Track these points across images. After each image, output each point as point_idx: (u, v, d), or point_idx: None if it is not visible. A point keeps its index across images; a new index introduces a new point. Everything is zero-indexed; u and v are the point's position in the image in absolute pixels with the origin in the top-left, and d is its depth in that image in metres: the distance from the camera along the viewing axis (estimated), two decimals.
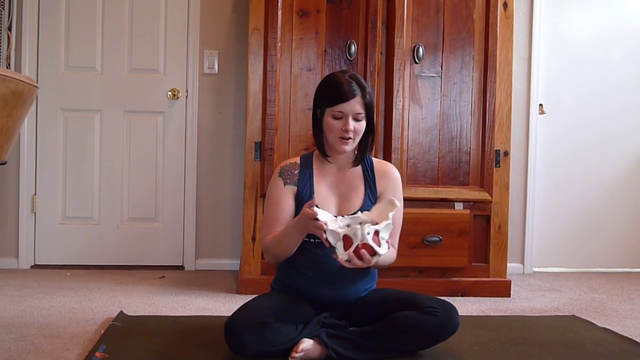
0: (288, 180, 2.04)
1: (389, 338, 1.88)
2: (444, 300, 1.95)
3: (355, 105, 1.96)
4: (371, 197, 2.06)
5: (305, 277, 2.00)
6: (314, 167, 2.08)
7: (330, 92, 1.98)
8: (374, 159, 2.14)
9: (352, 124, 1.96)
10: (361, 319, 1.98)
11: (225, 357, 1.89)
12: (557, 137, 3.79)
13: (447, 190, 2.97)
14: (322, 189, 2.05)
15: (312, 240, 1.95)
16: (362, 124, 1.99)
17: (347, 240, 1.80)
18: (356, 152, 2.09)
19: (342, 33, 2.95)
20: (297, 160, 2.10)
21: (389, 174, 2.11)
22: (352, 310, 2.02)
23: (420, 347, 1.92)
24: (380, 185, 2.08)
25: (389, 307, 1.95)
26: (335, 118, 1.97)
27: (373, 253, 1.79)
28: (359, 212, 1.87)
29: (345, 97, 1.95)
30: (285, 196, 2.03)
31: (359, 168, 2.10)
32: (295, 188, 2.04)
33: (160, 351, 1.96)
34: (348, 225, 1.82)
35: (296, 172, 2.05)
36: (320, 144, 2.06)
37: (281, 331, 1.84)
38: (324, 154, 2.06)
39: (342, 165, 2.09)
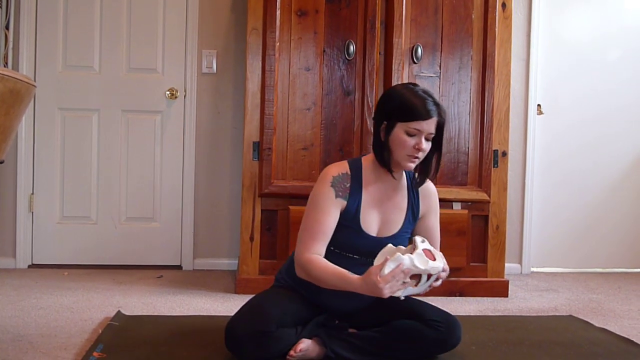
0: (340, 193, 1.92)
1: (389, 346, 1.88)
2: (447, 314, 1.93)
3: (432, 125, 1.87)
4: (412, 219, 2.01)
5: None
6: (364, 181, 1.97)
7: (407, 107, 1.87)
8: None
9: (424, 143, 1.88)
10: (363, 322, 1.97)
11: (223, 357, 1.88)
12: (555, 137, 3.79)
13: (445, 190, 2.97)
14: (369, 208, 1.95)
15: (340, 252, 1.93)
16: (430, 144, 1.91)
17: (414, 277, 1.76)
18: (416, 174, 2.01)
19: (340, 33, 2.95)
20: (347, 170, 1.96)
21: (431, 192, 2.06)
22: (354, 313, 2.01)
23: (419, 357, 1.91)
24: (423, 205, 2.03)
25: (392, 314, 1.93)
26: (409, 135, 1.87)
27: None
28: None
29: (425, 116, 1.85)
30: (334, 207, 1.90)
31: (404, 186, 2.02)
32: (345, 202, 1.92)
33: (158, 351, 1.96)
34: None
35: (348, 185, 1.93)
36: (384, 157, 1.93)
37: (282, 338, 1.82)
38: (390, 169, 1.95)
39: (393, 183, 2.00)
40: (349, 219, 1.92)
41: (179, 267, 3.51)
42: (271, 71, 2.87)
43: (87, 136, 3.46)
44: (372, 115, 2.01)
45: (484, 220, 3.05)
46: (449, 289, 2.96)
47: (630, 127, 3.87)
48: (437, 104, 1.88)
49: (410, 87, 1.92)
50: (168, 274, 3.34)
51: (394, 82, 2.93)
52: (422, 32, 2.98)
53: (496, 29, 3.00)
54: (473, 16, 3.01)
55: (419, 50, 2.95)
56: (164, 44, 3.48)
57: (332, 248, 1.92)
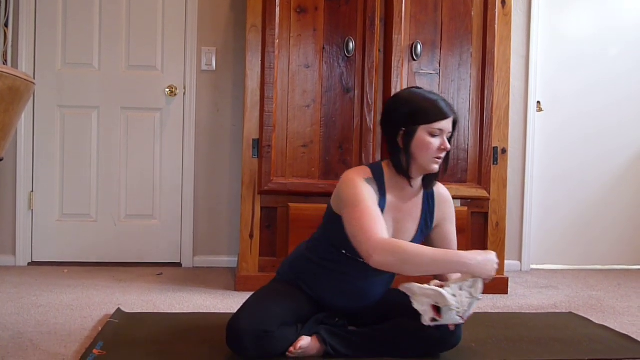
0: (375, 189, 1.90)
1: (389, 344, 1.88)
2: None
3: (450, 123, 1.89)
4: (424, 227, 2.00)
5: (334, 285, 1.94)
6: (386, 187, 1.94)
7: (427, 109, 1.86)
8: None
9: (447, 142, 1.88)
10: (363, 319, 1.97)
11: (223, 355, 1.88)
12: (554, 134, 3.79)
13: (445, 187, 2.96)
14: (387, 215, 1.92)
15: (352, 256, 1.89)
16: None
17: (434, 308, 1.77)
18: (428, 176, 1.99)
19: (340, 30, 2.94)
20: (370, 174, 1.92)
21: (447, 199, 2.04)
22: (355, 311, 2.01)
23: (418, 355, 1.90)
24: (439, 213, 2.02)
25: (392, 311, 1.93)
26: (433, 136, 1.86)
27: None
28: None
29: (446, 115, 1.86)
30: (375, 200, 1.87)
31: (420, 195, 2.00)
32: (377, 203, 1.89)
33: (157, 348, 1.96)
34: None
35: (376, 188, 1.91)
36: (403, 164, 1.91)
37: (283, 337, 1.82)
38: (409, 176, 1.92)
39: (411, 192, 1.97)
40: None
41: (178, 265, 3.51)
42: (270, 68, 2.87)
43: (86, 134, 3.46)
44: (380, 123, 1.96)
45: (483, 218, 3.05)
46: None
47: (630, 123, 3.87)
48: (447, 102, 1.91)
49: (415, 90, 1.93)
50: (168, 271, 3.34)
51: (394, 80, 2.93)
52: (422, 29, 2.98)
53: (496, 26, 2.99)
54: (473, 13, 3.01)
55: (419, 47, 2.95)
56: (163, 42, 3.47)
57: (343, 251, 1.91)
